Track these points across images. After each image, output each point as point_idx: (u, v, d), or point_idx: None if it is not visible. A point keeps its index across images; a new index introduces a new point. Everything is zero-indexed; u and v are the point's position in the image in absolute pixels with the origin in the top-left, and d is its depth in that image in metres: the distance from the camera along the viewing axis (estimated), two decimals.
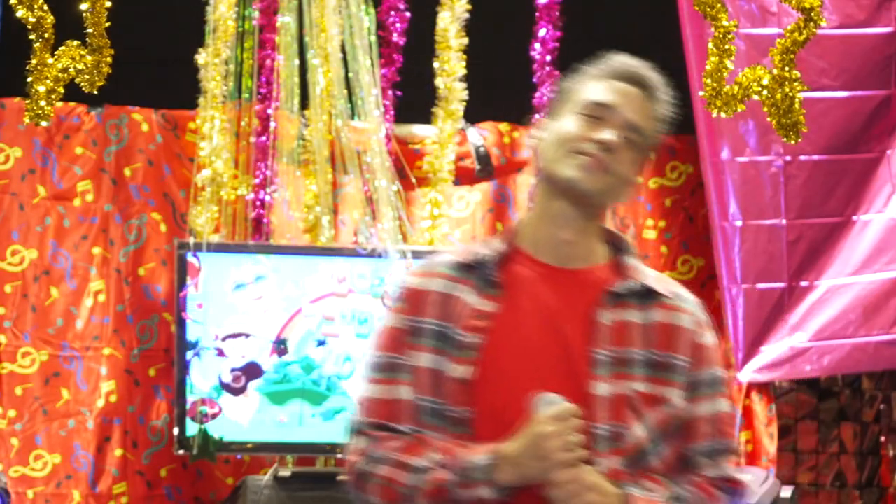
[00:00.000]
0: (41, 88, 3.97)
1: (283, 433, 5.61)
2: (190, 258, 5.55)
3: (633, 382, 2.26)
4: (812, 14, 4.04)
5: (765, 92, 4.19)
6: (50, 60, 4.01)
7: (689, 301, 2.37)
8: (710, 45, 4.14)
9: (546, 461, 2.17)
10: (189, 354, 5.52)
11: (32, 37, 4.05)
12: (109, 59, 3.98)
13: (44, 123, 4.02)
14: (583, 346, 2.26)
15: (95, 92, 4.03)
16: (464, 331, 2.28)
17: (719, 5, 4.19)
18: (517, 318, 2.27)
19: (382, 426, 2.30)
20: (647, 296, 2.33)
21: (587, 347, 2.26)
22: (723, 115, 4.27)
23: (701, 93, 4.21)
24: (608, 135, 2.30)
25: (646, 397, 2.26)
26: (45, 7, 4.02)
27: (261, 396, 5.59)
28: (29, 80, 4.15)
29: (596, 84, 2.38)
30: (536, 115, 2.59)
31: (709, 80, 4.14)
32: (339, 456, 5.73)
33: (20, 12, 4.00)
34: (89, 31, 4.01)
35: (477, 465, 2.20)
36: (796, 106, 4.06)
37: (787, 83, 4.05)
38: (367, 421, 2.32)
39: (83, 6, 4.00)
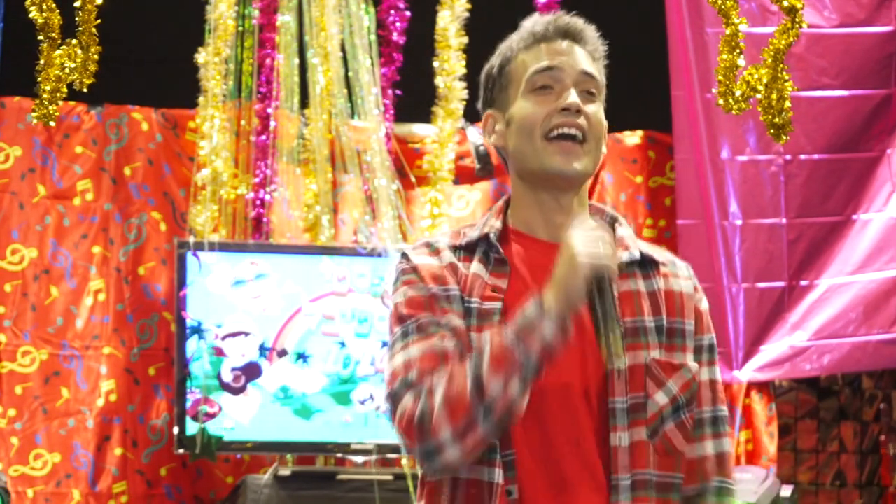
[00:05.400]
0: (47, 88, 3.98)
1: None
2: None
3: (650, 351, 2.25)
4: (795, 17, 4.04)
5: (764, 91, 4.20)
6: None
7: (683, 267, 2.37)
8: (721, 43, 4.14)
9: (580, 262, 2.11)
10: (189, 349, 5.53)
11: (41, 37, 4.05)
12: (96, 57, 3.98)
13: (51, 123, 4.03)
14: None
15: (85, 90, 4.02)
16: (482, 301, 2.24)
17: (731, 3, 4.19)
18: (529, 294, 2.18)
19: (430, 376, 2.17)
20: (647, 264, 2.31)
21: None
22: (734, 112, 4.28)
23: (714, 90, 4.21)
24: (571, 97, 2.26)
25: (663, 364, 2.25)
26: (53, 6, 4.02)
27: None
28: (38, 80, 4.15)
29: (529, 55, 2.33)
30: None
31: (721, 78, 4.14)
32: (338, 455, 5.74)
33: (32, 12, 4.01)
34: (79, 28, 4.02)
35: (527, 308, 2.12)
36: (787, 105, 4.06)
37: (779, 82, 4.05)
38: (412, 378, 2.17)
39: (76, 4, 4.01)
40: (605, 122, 2.34)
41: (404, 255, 2.31)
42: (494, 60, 2.38)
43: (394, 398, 2.18)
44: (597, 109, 2.30)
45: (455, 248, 2.30)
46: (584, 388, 2.22)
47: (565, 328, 2.10)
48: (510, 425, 2.13)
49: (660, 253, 2.36)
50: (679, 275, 2.34)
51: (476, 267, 2.28)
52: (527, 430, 2.20)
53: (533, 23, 2.37)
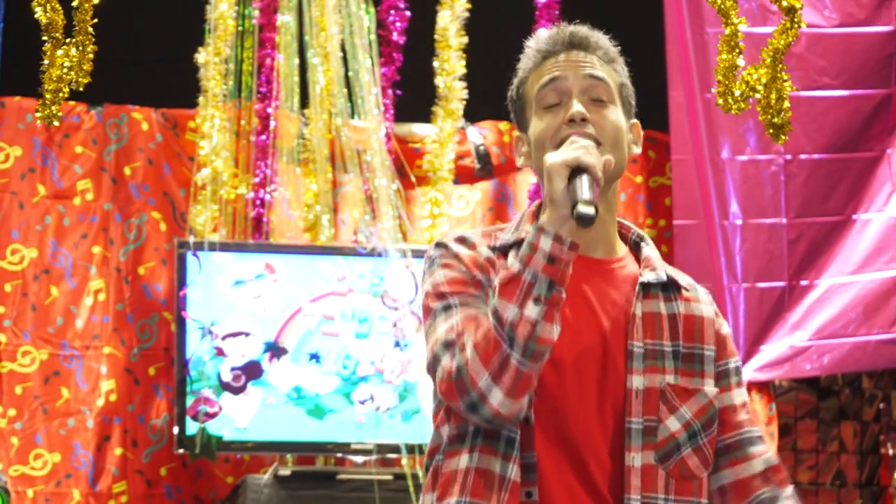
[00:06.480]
0: (50, 88, 3.98)
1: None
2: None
3: (665, 375, 2.26)
4: (794, 17, 4.04)
5: (763, 91, 4.20)
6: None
7: (703, 292, 2.38)
8: (721, 43, 4.14)
9: (551, 165, 2.15)
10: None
11: (44, 37, 4.05)
12: (91, 56, 3.98)
13: (55, 123, 4.03)
14: (619, 338, 2.25)
15: (81, 89, 4.02)
16: None
17: (730, 2, 4.19)
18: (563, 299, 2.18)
19: None
20: (670, 287, 2.33)
21: (623, 339, 2.25)
22: (733, 112, 4.28)
23: (714, 89, 4.22)
24: (574, 108, 2.28)
25: (677, 389, 2.26)
26: (57, 6, 4.03)
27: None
28: (42, 80, 4.16)
29: (537, 73, 2.35)
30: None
31: (721, 78, 4.14)
32: (338, 455, 5.74)
33: (38, 12, 4.01)
34: (76, 28, 4.02)
35: (529, 234, 2.15)
36: (786, 105, 4.07)
37: (778, 82, 4.05)
38: (451, 338, 2.17)
39: (73, 3, 4.01)
40: (631, 122, 2.36)
41: (441, 244, 2.32)
42: (513, 84, 2.41)
43: (434, 362, 2.19)
44: (609, 113, 2.30)
45: (490, 248, 2.31)
46: (602, 404, 2.23)
47: (562, 239, 2.12)
48: (541, 355, 2.12)
49: (681, 277, 2.37)
50: (700, 300, 2.36)
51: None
52: (547, 436, 2.21)
53: (537, 40, 2.39)
